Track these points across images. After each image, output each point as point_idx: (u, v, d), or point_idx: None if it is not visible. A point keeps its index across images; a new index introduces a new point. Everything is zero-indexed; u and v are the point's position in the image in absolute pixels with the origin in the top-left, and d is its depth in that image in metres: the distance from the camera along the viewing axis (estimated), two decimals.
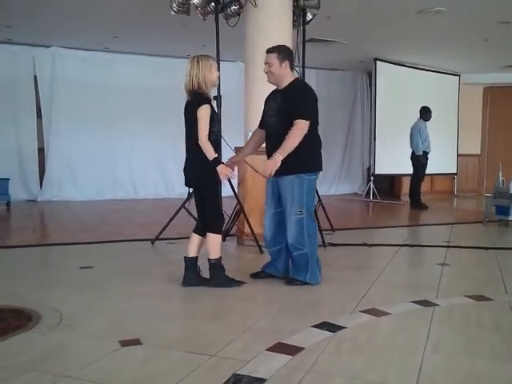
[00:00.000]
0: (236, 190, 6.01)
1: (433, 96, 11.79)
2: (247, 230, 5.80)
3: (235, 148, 5.32)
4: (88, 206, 9.95)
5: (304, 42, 6.53)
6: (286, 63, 4.23)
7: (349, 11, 7.99)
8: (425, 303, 3.79)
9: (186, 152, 4.16)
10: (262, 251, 5.48)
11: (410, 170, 10.59)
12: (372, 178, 11.84)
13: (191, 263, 4.21)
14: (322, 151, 4.33)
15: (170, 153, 10.81)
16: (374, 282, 4.39)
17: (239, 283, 4.23)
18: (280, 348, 2.88)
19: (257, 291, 4.21)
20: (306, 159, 4.17)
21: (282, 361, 2.71)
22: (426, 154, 10.37)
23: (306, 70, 6.60)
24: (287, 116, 4.10)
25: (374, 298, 3.95)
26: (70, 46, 10.57)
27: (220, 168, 4.02)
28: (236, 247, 6.03)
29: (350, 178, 13.60)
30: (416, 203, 10.29)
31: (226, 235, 5.91)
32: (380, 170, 11.71)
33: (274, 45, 4.35)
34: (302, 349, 2.88)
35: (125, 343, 2.93)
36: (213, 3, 6.18)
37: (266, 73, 4.27)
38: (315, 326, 3.25)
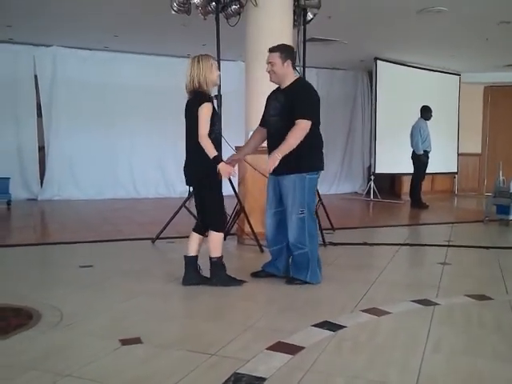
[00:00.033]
0: (236, 189, 6.01)
1: (433, 95, 11.80)
2: (248, 229, 5.80)
3: (236, 147, 5.32)
4: (88, 205, 9.95)
5: (305, 41, 6.53)
6: (289, 62, 4.22)
7: (349, 11, 7.99)
8: (425, 302, 3.79)
9: (186, 152, 4.16)
10: (262, 250, 5.48)
11: (411, 170, 10.59)
12: (372, 178, 11.84)
13: (191, 262, 4.21)
14: (323, 150, 4.34)
15: (170, 152, 10.82)
16: (375, 282, 4.39)
17: (240, 282, 4.23)
18: (280, 347, 2.88)
19: (257, 290, 4.21)
20: (308, 158, 4.17)
21: (282, 360, 2.71)
22: (426, 153, 10.37)
23: (306, 69, 6.60)
24: (289, 115, 4.10)
25: (375, 297, 3.94)
26: (71, 46, 10.58)
27: (221, 166, 4.02)
28: (236, 246, 6.03)
29: (351, 178, 13.60)
30: (416, 202, 10.29)
31: (226, 234, 5.91)
32: (380, 169, 11.71)
33: (276, 44, 4.34)
34: (303, 348, 2.88)
35: (125, 342, 2.93)
36: (213, 3, 6.18)
37: (269, 72, 4.26)
38: (316, 325, 3.25)
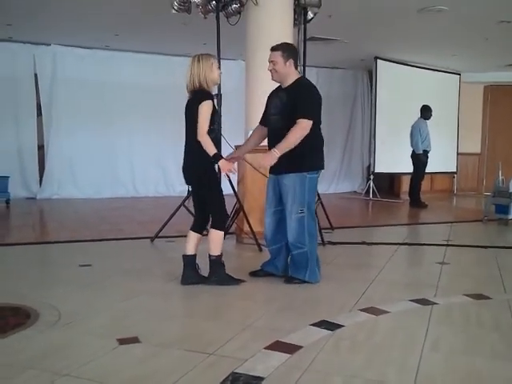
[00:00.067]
0: (236, 188, 6.01)
1: (433, 95, 11.81)
2: (247, 228, 5.80)
3: (235, 146, 5.32)
4: (88, 203, 9.95)
5: (305, 40, 6.53)
6: (291, 61, 4.21)
7: (350, 10, 7.99)
8: (424, 302, 3.79)
9: (185, 151, 4.16)
10: (261, 249, 5.48)
11: (410, 169, 10.60)
12: (372, 177, 11.84)
13: (190, 261, 4.21)
14: (323, 150, 4.34)
15: (170, 151, 10.78)
16: (373, 281, 4.40)
17: (238, 281, 4.23)
18: (278, 346, 2.88)
19: (256, 289, 4.21)
20: (308, 157, 4.16)
21: (280, 359, 2.71)
22: (426, 152, 10.38)
23: (306, 68, 6.60)
24: (290, 114, 4.09)
25: (373, 296, 3.95)
26: (70, 44, 10.57)
27: (222, 163, 4.02)
28: (235, 245, 6.03)
29: (350, 177, 13.60)
30: (415, 202, 10.30)
31: (225, 233, 5.91)
32: (380, 168, 11.71)
33: (278, 42, 4.33)
34: (301, 347, 2.88)
35: (124, 341, 2.93)
36: (214, 1, 6.19)
37: (270, 71, 4.25)
38: (314, 325, 3.25)
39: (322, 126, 4.30)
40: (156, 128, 11.22)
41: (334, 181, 13.28)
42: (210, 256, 4.16)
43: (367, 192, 11.93)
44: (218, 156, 4.01)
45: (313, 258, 4.23)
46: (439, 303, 3.78)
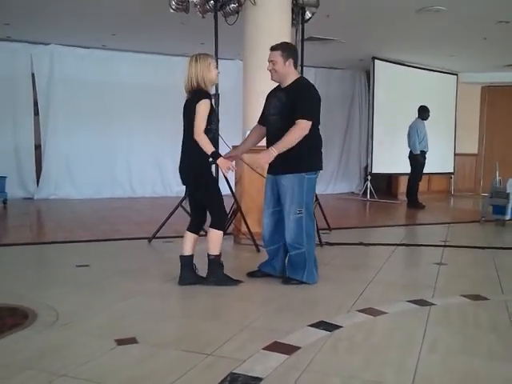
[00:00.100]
0: (233, 188, 6.01)
1: (431, 95, 11.83)
2: (244, 228, 5.80)
3: (233, 146, 5.31)
4: (85, 204, 9.94)
5: (303, 40, 6.53)
6: (290, 61, 4.20)
7: (348, 10, 8.00)
8: (421, 302, 3.80)
9: (182, 151, 4.15)
10: (258, 250, 5.48)
11: (408, 170, 10.61)
12: (369, 177, 11.85)
13: (187, 262, 4.20)
14: (321, 150, 4.33)
15: (168, 151, 10.75)
16: (371, 282, 4.40)
17: (236, 282, 4.22)
18: (276, 347, 2.88)
19: (254, 290, 4.21)
20: (307, 158, 4.15)
21: (278, 360, 2.70)
22: (423, 153, 10.40)
23: (304, 68, 6.60)
24: (289, 115, 4.08)
25: (371, 297, 3.95)
26: (69, 44, 10.55)
27: (220, 161, 4.02)
28: (233, 246, 6.03)
29: (348, 177, 13.61)
30: (413, 202, 10.31)
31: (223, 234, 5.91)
32: (377, 169, 11.72)
33: (277, 42, 4.32)
34: (299, 348, 2.88)
35: (122, 342, 2.92)
36: (212, 1, 6.18)
37: (270, 70, 4.24)
38: (312, 325, 3.25)
39: (319, 127, 4.30)
40: (154, 128, 11.21)
41: (332, 181, 13.29)
42: (208, 256, 4.15)
43: (365, 193, 11.95)
44: (216, 154, 4.00)
45: (311, 258, 4.23)
46: (437, 304, 3.78)
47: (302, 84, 4.25)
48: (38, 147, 10.72)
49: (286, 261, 4.34)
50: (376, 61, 11.49)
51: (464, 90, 13.15)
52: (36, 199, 10.40)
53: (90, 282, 4.31)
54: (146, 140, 11.30)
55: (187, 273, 4.19)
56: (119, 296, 3.88)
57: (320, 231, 5.99)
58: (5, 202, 9.29)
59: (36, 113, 10.68)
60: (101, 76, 10.90)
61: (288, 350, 2.84)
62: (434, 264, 5.14)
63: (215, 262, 4.16)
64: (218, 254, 4.16)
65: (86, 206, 9.58)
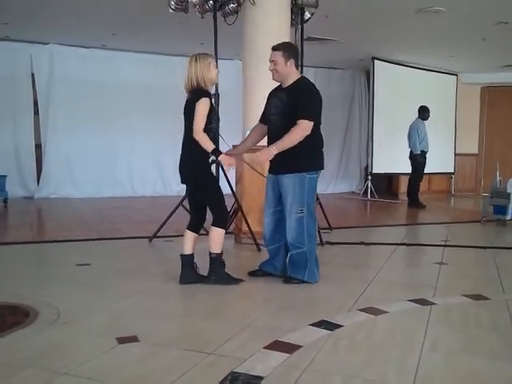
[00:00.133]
0: (234, 187, 6.01)
1: (431, 95, 11.82)
2: (245, 228, 5.80)
3: (233, 146, 5.31)
4: (85, 203, 9.94)
5: (302, 40, 6.53)
6: (292, 61, 4.19)
7: (347, 10, 8.00)
8: (422, 302, 3.79)
9: (183, 151, 4.15)
10: (259, 249, 5.48)
11: (408, 169, 10.61)
12: (369, 177, 11.85)
13: (188, 261, 4.20)
14: (323, 150, 4.33)
15: (168, 150, 10.73)
16: (372, 281, 4.39)
17: (237, 281, 4.22)
18: (277, 346, 2.88)
19: (255, 289, 4.20)
20: (308, 158, 4.15)
21: (279, 359, 2.70)
22: (424, 153, 10.39)
23: (304, 68, 6.60)
24: (290, 114, 4.07)
25: (372, 296, 3.94)
26: (68, 44, 10.55)
27: (222, 158, 4.02)
28: (234, 245, 6.02)
29: (348, 177, 13.62)
30: (414, 202, 10.31)
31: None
32: (377, 169, 11.71)
33: (275, 43, 4.32)
34: (300, 347, 2.87)
35: (122, 340, 2.92)
36: (211, 1, 6.18)
37: (271, 70, 4.24)
38: (313, 325, 3.24)
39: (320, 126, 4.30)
40: (154, 127, 11.22)
41: (332, 181, 13.29)
42: (210, 254, 4.15)
43: (365, 192, 11.95)
44: (217, 151, 4.00)
45: (312, 258, 4.22)
46: (438, 303, 3.77)
47: (303, 84, 4.24)
48: (38, 146, 10.72)
49: (287, 260, 4.33)
50: (376, 61, 11.49)
51: (464, 91, 13.15)
52: (36, 198, 10.40)
53: (91, 280, 4.31)
54: (147, 139, 11.31)
55: (188, 272, 4.19)
56: (120, 295, 3.88)
57: (321, 230, 5.98)
58: (5, 200, 9.30)
59: (36, 112, 10.69)
60: (101, 76, 10.90)
61: (289, 348, 2.84)
62: (435, 263, 5.13)
63: (217, 261, 4.16)
64: (219, 252, 4.15)
65: (87, 205, 9.58)
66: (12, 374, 2.51)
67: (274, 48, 4.24)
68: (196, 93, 4.01)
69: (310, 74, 11.13)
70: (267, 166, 4.47)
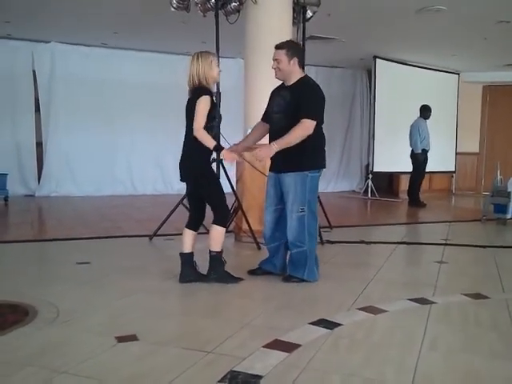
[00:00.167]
0: (234, 186, 6.01)
1: (432, 94, 11.81)
2: (245, 226, 5.80)
3: (234, 145, 5.31)
4: (86, 201, 9.94)
5: (304, 39, 6.52)
6: (295, 60, 4.18)
7: (349, 9, 7.99)
8: (422, 301, 3.79)
9: (184, 149, 4.15)
10: (259, 248, 5.48)
11: (409, 168, 10.61)
12: (370, 176, 11.85)
13: (187, 259, 4.20)
14: (325, 148, 4.33)
15: (168, 149, 10.72)
16: (372, 280, 4.39)
17: (237, 279, 4.22)
18: (277, 345, 2.88)
19: (254, 288, 4.21)
20: (310, 156, 4.14)
21: (278, 357, 2.71)
22: (425, 152, 10.38)
23: (305, 67, 6.57)
24: (293, 113, 4.07)
25: (372, 295, 3.95)
26: (70, 42, 10.55)
27: (224, 153, 4.03)
28: (234, 244, 6.03)
29: (349, 176, 13.61)
30: (414, 201, 10.30)
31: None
32: (378, 167, 11.71)
33: (279, 41, 4.31)
34: (299, 346, 2.88)
35: (122, 339, 2.93)
36: (213, 0, 6.17)
37: (274, 69, 4.23)
38: (312, 323, 3.25)
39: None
40: (154, 125, 11.23)
41: (333, 180, 13.29)
42: (210, 252, 4.15)
43: (366, 191, 11.95)
44: (218, 146, 4.00)
45: (312, 256, 4.22)
46: (437, 302, 3.78)
47: (306, 83, 4.23)
48: (39, 145, 10.72)
49: (288, 259, 4.34)
50: (377, 60, 11.47)
51: (465, 90, 13.13)
52: (37, 196, 10.41)
53: (91, 279, 4.31)
54: (147, 138, 11.32)
55: (188, 270, 4.20)
56: (120, 293, 3.89)
57: (321, 229, 5.99)
58: (6, 199, 9.31)
59: (37, 110, 10.68)
60: (102, 74, 10.90)
61: (288, 347, 2.84)
62: (435, 262, 5.14)
63: (216, 259, 4.16)
64: (219, 250, 4.16)
65: (87, 204, 9.59)
66: (12, 372, 2.52)
67: (278, 46, 4.23)
68: (197, 91, 4.01)
69: (311, 73, 11.11)
70: (268, 163, 4.47)
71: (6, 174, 9.50)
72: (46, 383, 2.42)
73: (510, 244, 6.23)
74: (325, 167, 4.33)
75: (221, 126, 5.00)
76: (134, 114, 11.11)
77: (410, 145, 10.41)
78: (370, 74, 12.24)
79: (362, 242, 6.17)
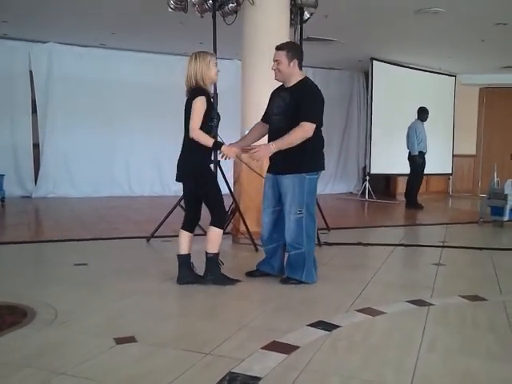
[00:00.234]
0: (232, 188, 6.00)
1: (429, 96, 11.82)
2: (243, 228, 5.80)
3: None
4: (83, 202, 9.92)
5: (301, 40, 6.52)
6: (295, 62, 4.18)
7: (346, 10, 8.00)
8: (420, 303, 3.80)
9: (183, 150, 4.14)
10: (257, 249, 5.48)
11: (406, 170, 10.61)
12: (367, 178, 11.86)
13: (184, 261, 4.20)
14: (323, 151, 4.32)
15: (166, 150, 10.68)
16: (370, 282, 4.40)
17: (233, 281, 4.21)
18: (275, 346, 2.88)
19: (252, 290, 4.21)
20: (308, 158, 4.14)
21: (277, 359, 2.70)
22: (422, 154, 10.39)
23: (303, 68, 6.58)
24: (292, 115, 4.07)
25: (370, 297, 3.95)
26: (67, 42, 10.54)
27: (225, 149, 4.04)
28: (231, 245, 6.02)
29: (346, 178, 13.62)
30: (411, 203, 10.31)
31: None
32: (375, 169, 11.72)
33: (278, 42, 4.30)
34: (298, 347, 2.88)
35: (120, 340, 2.92)
36: (210, 1, 6.17)
37: (274, 70, 4.23)
38: (310, 325, 3.25)
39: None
40: (152, 127, 11.20)
41: (330, 181, 13.29)
42: (206, 254, 4.14)
43: (363, 193, 11.96)
44: (218, 143, 4.00)
45: (310, 258, 4.22)
46: (435, 304, 3.78)
47: (306, 85, 4.23)
48: (35, 146, 10.69)
49: (286, 260, 4.34)
50: (374, 62, 11.48)
51: (462, 92, 13.16)
52: (34, 197, 10.37)
53: (88, 280, 4.31)
54: (145, 139, 11.30)
55: (185, 271, 4.19)
56: (117, 295, 3.88)
57: (319, 231, 5.98)
58: (3, 200, 9.27)
59: (34, 111, 10.66)
60: (100, 75, 10.88)
61: (286, 349, 2.84)
62: (433, 264, 5.14)
63: (213, 261, 4.15)
64: (216, 252, 4.15)
65: (85, 205, 9.57)
66: (10, 373, 2.51)
67: (278, 47, 4.22)
68: (194, 92, 4.00)
69: (308, 75, 10.91)
70: (265, 164, 4.47)
71: (3, 175, 9.47)
72: None
73: (507, 246, 6.23)
74: (323, 169, 4.33)
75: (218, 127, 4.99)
76: (132, 114, 11.10)
77: (407, 147, 10.41)
78: (367, 76, 12.25)
79: (359, 243, 6.17)
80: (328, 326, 3.23)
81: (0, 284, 4.19)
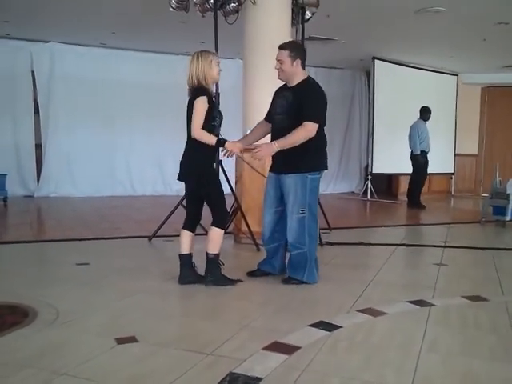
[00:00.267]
0: (233, 187, 6.00)
1: (431, 95, 11.81)
2: (244, 227, 5.79)
3: None
4: (85, 202, 9.94)
5: (303, 40, 6.51)
6: (298, 61, 4.17)
7: (348, 10, 8.00)
8: (421, 303, 3.79)
9: (186, 149, 4.13)
10: (259, 249, 5.48)
11: (408, 170, 10.61)
12: (369, 177, 11.85)
13: (186, 260, 4.19)
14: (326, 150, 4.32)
15: (168, 149, 10.74)
16: (371, 282, 4.39)
17: (234, 282, 4.21)
18: (276, 347, 2.88)
19: (253, 290, 4.20)
20: (310, 158, 4.13)
21: (278, 360, 2.70)
22: (424, 153, 10.38)
23: (305, 68, 6.59)
24: (295, 115, 4.06)
25: (371, 297, 3.94)
26: (69, 42, 10.54)
27: (229, 145, 4.03)
28: (233, 245, 6.02)
29: (348, 177, 13.61)
30: (413, 203, 10.30)
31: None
32: (377, 169, 11.72)
33: (282, 41, 4.29)
34: (299, 348, 2.87)
35: (121, 340, 2.92)
36: (211, 0, 6.17)
37: (277, 69, 4.22)
38: (312, 325, 3.25)
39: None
40: (154, 126, 11.23)
41: (332, 181, 13.28)
42: (207, 254, 4.14)
43: (365, 192, 11.95)
44: (221, 140, 3.99)
45: (312, 258, 4.21)
46: (437, 305, 3.77)
47: (309, 84, 4.22)
48: (38, 146, 10.71)
49: (287, 260, 4.33)
50: (376, 61, 11.49)
51: (464, 91, 13.15)
52: (36, 197, 10.40)
53: (90, 280, 4.31)
54: (147, 138, 11.31)
55: (187, 271, 4.19)
56: (119, 294, 3.88)
57: (320, 231, 5.97)
58: (5, 199, 9.29)
59: (36, 111, 10.67)
60: (101, 74, 10.90)
61: (288, 349, 2.84)
62: (434, 264, 5.14)
63: (213, 262, 4.14)
64: (217, 252, 4.14)
65: (87, 205, 9.58)
66: (11, 373, 2.51)
67: (281, 47, 4.21)
68: (196, 91, 4.00)
69: (310, 74, 11.09)
70: (268, 164, 4.46)
71: (5, 175, 9.48)
72: None
73: (509, 246, 6.22)
74: (326, 168, 4.32)
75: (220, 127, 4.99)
76: (134, 114, 11.11)
77: (410, 146, 10.40)
78: (369, 75, 12.25)
79: (361, 243, 6.17)
80: (329, 327, 3.23)
81: (1, 283, 4.19)
